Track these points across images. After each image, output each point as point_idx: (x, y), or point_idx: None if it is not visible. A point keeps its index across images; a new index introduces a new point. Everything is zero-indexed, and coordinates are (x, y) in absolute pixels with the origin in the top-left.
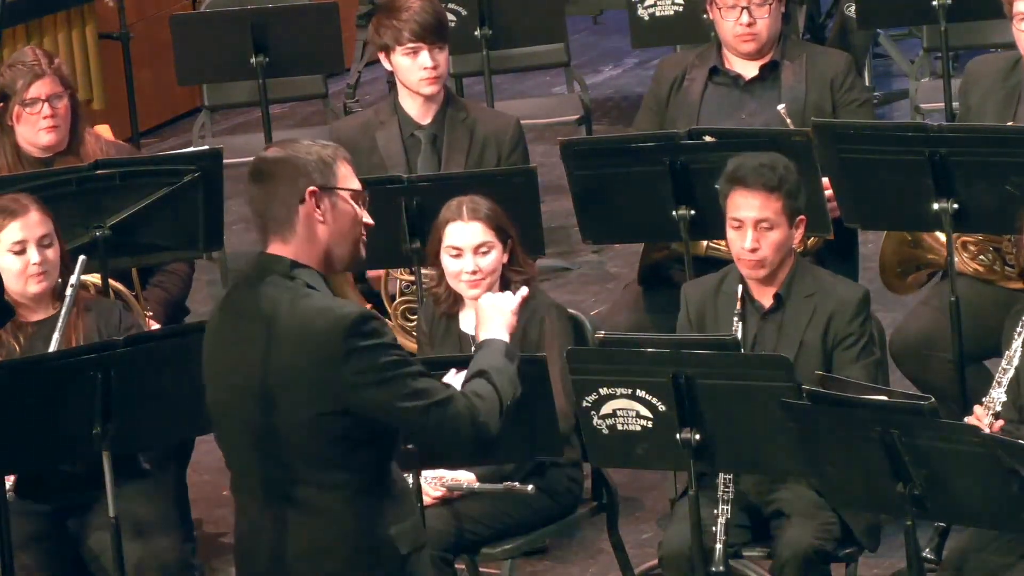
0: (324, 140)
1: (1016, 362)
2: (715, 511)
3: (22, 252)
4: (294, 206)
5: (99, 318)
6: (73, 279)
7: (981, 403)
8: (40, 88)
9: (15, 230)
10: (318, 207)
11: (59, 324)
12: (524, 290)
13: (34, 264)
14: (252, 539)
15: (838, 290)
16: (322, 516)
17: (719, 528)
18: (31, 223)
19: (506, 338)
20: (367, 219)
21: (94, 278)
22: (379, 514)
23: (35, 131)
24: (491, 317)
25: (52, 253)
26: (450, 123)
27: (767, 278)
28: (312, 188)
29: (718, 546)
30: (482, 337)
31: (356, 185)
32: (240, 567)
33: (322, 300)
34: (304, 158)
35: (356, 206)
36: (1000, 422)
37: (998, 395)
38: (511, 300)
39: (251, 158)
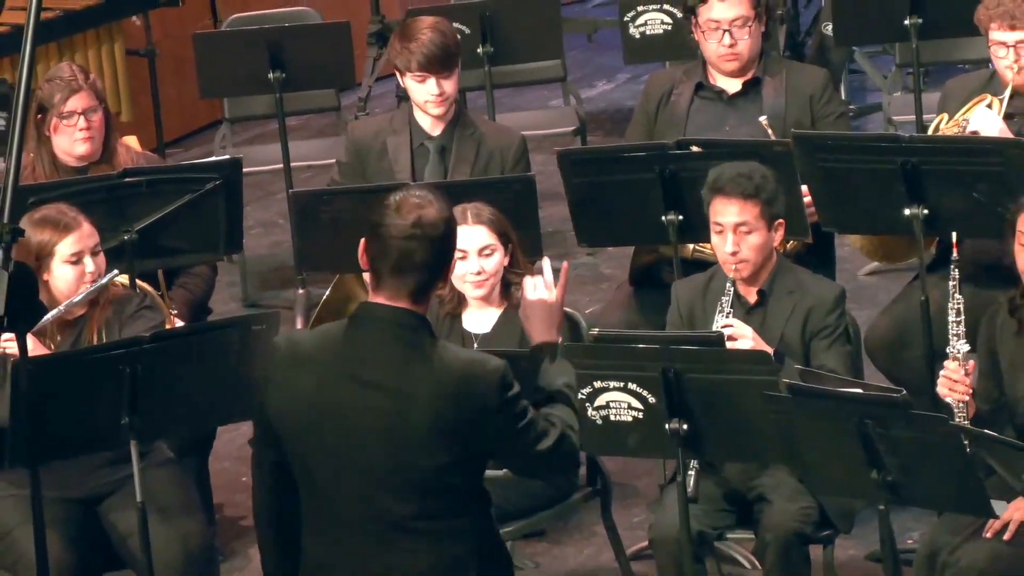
0: (338, 148)
1: (960, 310)
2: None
3: (78, 262)
4: (441, 274)
5: (117, 310)
6: (103, 281)
7: (948, 355)
8: (76, 102)
9: (71, 243)
10: (449, 272)
11: (61, 306)
12: (564, 265)
13: (89, 272)
14: (354, 568)
15: (816, 287)
16: (447, 538)
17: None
18: (84, 235)
19: (558, 338)
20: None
21: (123, 279)
22: (493, 524)
23: (71, 142)
24: (542, 317)
25: (101, 260)
26: (459, 136)
27: (751, 277)
28: (451, 264)
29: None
30: (537, 339)
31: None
32: None
33: (462, 352)
34: (453, 227)
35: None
36: (972, 363)
37: (961, 346)
38: (554, 291)
39: (269, 167)
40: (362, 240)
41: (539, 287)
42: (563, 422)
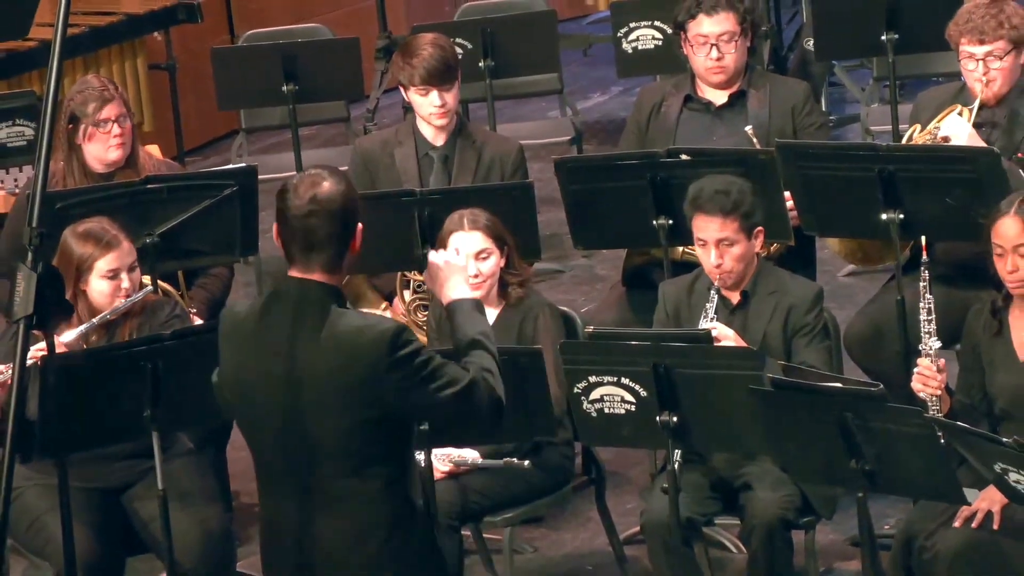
0: (348, 156)
1: (931, 309)
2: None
3: (114, 278)
4: (345, 245)
5: (149, 317)
6: (136, 297)
7: (919, 353)
8: (110, 111)
9: (111, 260)
10: (356, 242)
11: (95, 320)
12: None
13: (124, 288)
14: (286, 527)
15: (796, 287)
16: (360, 505)
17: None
18: (124, 252)
19: (471, 295)
20: None
21: (144, 279)
22: (408, 493)
23: (104, 148)
24: (451, 276)
25: (136, 276)
26: (461, 146)
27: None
28: (359, 228)
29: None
30: (451, 296)
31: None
32: (270, 552)
33: (359, 318)
34: (351, 200)
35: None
36: (942, 360)
37: (933, 343)
38: (460, 258)
39: (283, 174)
40: (274, 224)
41: (444, 253)
42: (478, 368)
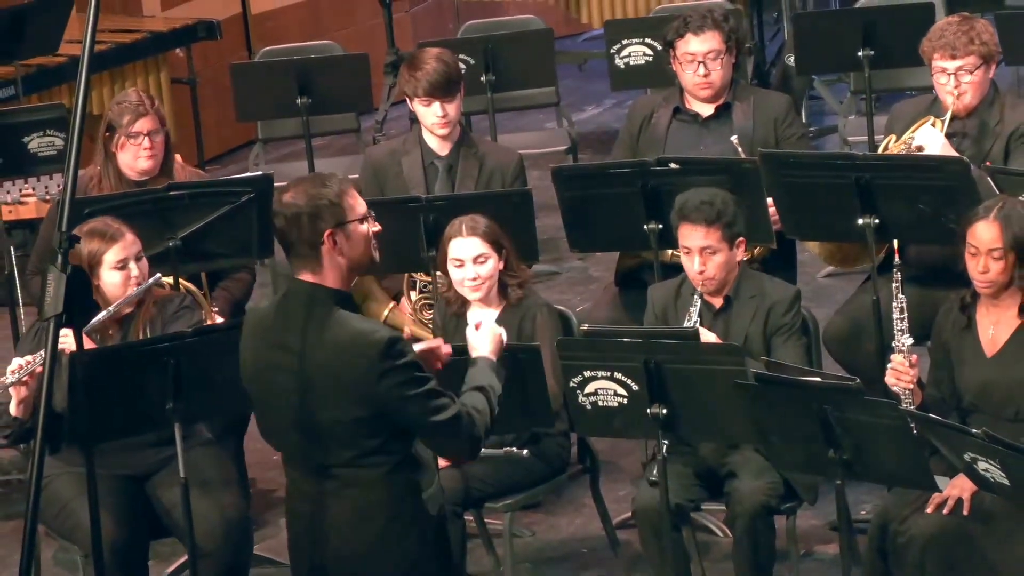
0: (358, 165)
1: (904, 308)
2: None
3: (123, 268)
4: (317, 248)
5: (161, 310)
6: (147, 284)
7: (893, 349)
8: (143, 124)
9: (117, 251)
10: (335, 244)
11: (111, 307)
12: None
13: (134, 276)
14: (301, 507)
15: (775, 290)
16: (362, 490)
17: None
18: (128, 243)
19: (495, 358)
20: (376, 228)
21: (170, 279)
22: (411, 483)
23: (134, 159)
24: (489, 338)
25: (144, 264)
26: (464, 156)
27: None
28: (328, 231)
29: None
30: (477, 353)
31: (363, 208)
32: (291, 529)
33: (358, 323)
34: (315, 204)
35: (366, 225)
36: (915, 356)
37: (905, 340)
38: (504, 334)
39: None
40: None
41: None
42: (466, 404)
